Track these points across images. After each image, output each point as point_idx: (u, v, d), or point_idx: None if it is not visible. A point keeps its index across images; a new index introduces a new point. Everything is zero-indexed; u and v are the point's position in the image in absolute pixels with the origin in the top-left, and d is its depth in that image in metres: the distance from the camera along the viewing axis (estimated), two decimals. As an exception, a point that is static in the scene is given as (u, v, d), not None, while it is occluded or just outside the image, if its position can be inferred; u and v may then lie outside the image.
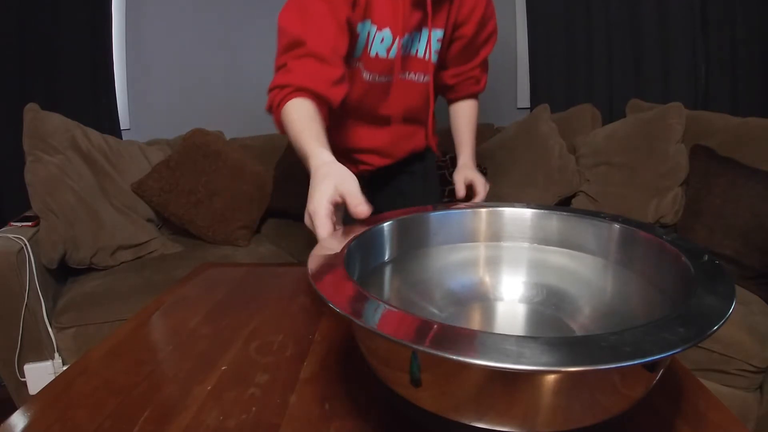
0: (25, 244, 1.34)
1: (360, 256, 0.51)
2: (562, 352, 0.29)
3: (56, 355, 1.33)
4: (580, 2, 2.06)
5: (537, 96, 2.26)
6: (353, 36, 0.83)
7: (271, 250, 1.83)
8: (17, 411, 0.47)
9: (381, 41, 0.87)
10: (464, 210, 0.63)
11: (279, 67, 0.77)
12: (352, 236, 0.51)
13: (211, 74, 2.45)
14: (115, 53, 2.14)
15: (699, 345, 0.74)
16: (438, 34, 0.92)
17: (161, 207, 1.80)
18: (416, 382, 0.35)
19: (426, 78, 0.96)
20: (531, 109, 2.21)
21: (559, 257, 0.59)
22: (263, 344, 0.60)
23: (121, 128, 2.19)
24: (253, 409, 0.47)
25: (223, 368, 0.54)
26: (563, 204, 1.83)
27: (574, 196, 1.83)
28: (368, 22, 0.85)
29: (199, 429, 0.44)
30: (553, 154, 1.86)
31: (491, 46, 1.03)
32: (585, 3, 2.04)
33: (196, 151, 1.87)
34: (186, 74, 2.38)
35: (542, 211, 0.61)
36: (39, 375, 1.31)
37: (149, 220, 1.81)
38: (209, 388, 0.50)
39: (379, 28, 0.85)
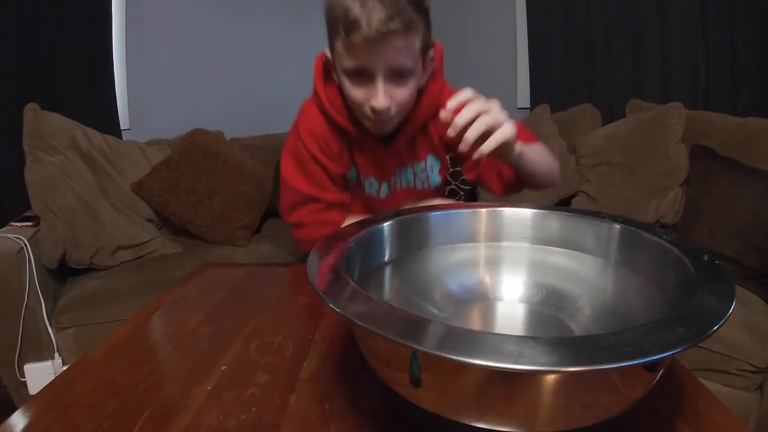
0: (25, 244, 1.33)
1: (360, 256, 0.51)
2: (562, 352, 0.29)
3: (56, 355, 1.33)
4: (580, 2, 2.06)
5: (537, 96, 2.26)
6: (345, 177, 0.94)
7: (271, 250, 1.83)
8: (17, 411, 0.47)
9: (369, 185, 0.94)
10: (464, 210, 0.63)
11: (296, 224, 0.92)
12: (352, 236, 0.51)
13: (211, 74, 2.45)
14: (115, 53, 2.14)
15: (699, 345, 0.74)
16: (429, 161, 0.95)
17: (161, 207, 1.80)
18: (416, 382, 0.35)
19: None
20: (531, 109, 2.21)
21: (559, 257, 0.59)
22: (263, 344, 0.60)
23: (121, 128, 2.19)
24: (253, 409, 0.47)
25: (223, 368, 0.54)
26: (563, 204, 1.83)
27: (574, 196, 1.83)
28: (354, 169, 0.93)
29: (199, 429, 0.44)
30: (553, 154, 1.86)
31: None
32: (585, 3, 2.04)
33: (196, 151, 1.87)
34: (186, 74, 2.38)
35: (542, 211, 0.61)
36: (39, 375, 1.31)
37: (149, 220, 1.81)
38: (209, 388, 0.50)
39: (366, 176, 0.93)
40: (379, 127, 0.83)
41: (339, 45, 0.75)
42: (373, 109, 0.77)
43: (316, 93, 0.87)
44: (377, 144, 0.89)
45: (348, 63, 0.76)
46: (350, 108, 0.85)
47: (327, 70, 0.86)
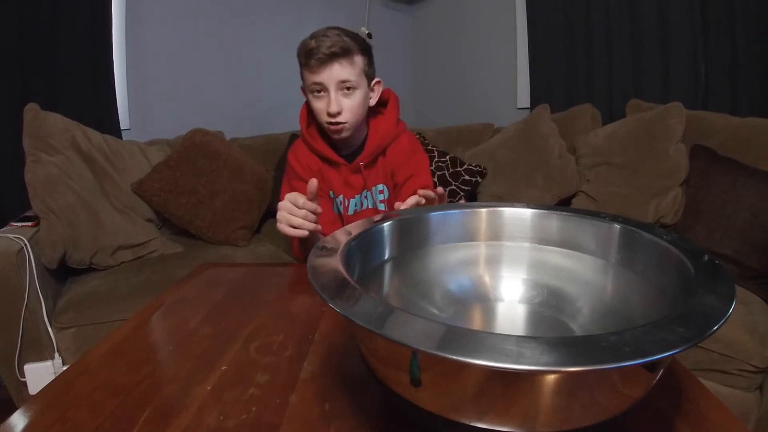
0: (25, 244, 1.33)
1: (360, 256, 0.51)
2: (562, 352, 0.29)
3: (56, 355, 1.33)
4: (580, 2, 2.06)
5: (537, 96, 2.26)
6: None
7: (271, 250, 1.83)
8: (17, 411, 0.47)
9: (339, 203, 1.13)
10: (464, 210, 0.63)
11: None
12: (352, 236, 0.51)
13: (211, 74, 2.44)
14: (115, 53, 2.13)
15: (699, 345, 0.74)
16: (379, 187, 1.14)
17: (161, 207, 1.80)
18: (416, 382, 0.35)
19: None
20: (531, 109, 2.21)
21: (559, 257, 0.59)
22: (263, 344, 0.60)
23: (121, 128, 2.18)
24: (253, 409, 0.47)
25: (223, 368, 0.54)
26: (563, 204, 1.83)
27: (574, 196, 1.83)
28: (331, 192, 1.12)
29: (199, 429, 0.44)
30: (553, 154, 1.86)
31: (425, 175, 1.16)
32: (585, 3, 2.04)
33: (196, 151, 1.87)
34: (186, 74, 2.37)
35: (542, 211, 0.61)
36: (39, 375, 1.31)
37: (149, 220, 1.80)
38: (209, 388, 0.50)
39: (336, 195, 1.12)
40: (337, 131, 1.03)
41: (305, 73, 1.01)
42: (329, 113, 1.00)
43: (301, 132, 1.11)
44: (346, 166, 1.10)
45: (310, 82, 1.00)
46: (322, 132, 1.08)
47: (309, 112, 1.10)
